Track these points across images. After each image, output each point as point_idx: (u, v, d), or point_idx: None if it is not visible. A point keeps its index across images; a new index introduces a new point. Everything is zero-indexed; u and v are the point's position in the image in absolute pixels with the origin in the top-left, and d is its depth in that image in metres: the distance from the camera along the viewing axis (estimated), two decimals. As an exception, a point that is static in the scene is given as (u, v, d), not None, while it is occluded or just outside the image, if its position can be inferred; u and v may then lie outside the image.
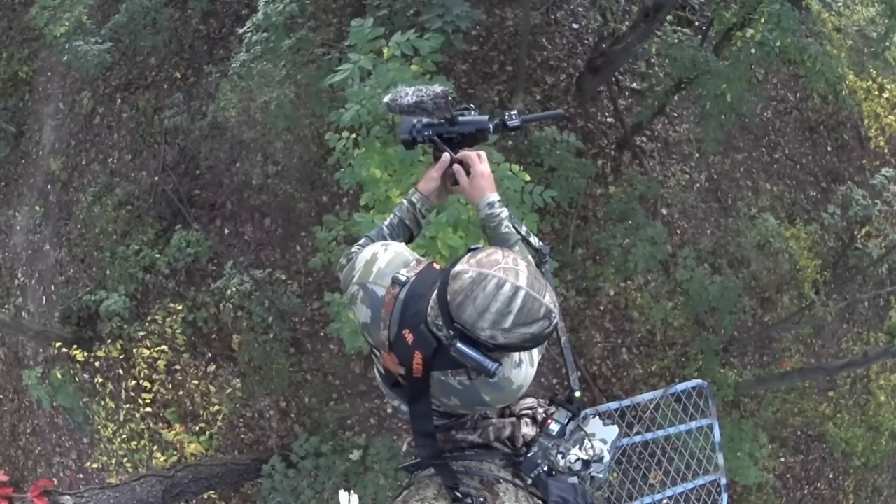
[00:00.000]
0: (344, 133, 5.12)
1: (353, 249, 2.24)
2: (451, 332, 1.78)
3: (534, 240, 2.42)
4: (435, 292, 1.82)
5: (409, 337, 1.88)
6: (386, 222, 2.32)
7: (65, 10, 7.82)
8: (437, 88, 2.21)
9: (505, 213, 2.26)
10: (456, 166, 2.29)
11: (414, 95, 2.20)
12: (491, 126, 2.33)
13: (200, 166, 9.32)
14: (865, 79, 10.68)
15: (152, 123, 9.73)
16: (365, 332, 2.08)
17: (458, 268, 1.77)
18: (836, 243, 9.94)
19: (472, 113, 2.32)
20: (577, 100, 9.09)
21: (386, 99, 2.25)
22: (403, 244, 2.15)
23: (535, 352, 2.01)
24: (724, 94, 6.83)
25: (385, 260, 2.04)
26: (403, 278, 1.96)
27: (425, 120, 2.29)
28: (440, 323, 1.80)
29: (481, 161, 2.28)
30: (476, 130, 2.31)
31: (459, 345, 1.77)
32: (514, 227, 2.28)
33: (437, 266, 2.02)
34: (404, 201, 2.34)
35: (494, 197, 2.27)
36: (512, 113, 2.37)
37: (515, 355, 1.95)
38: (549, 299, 1.77)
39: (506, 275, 1.73)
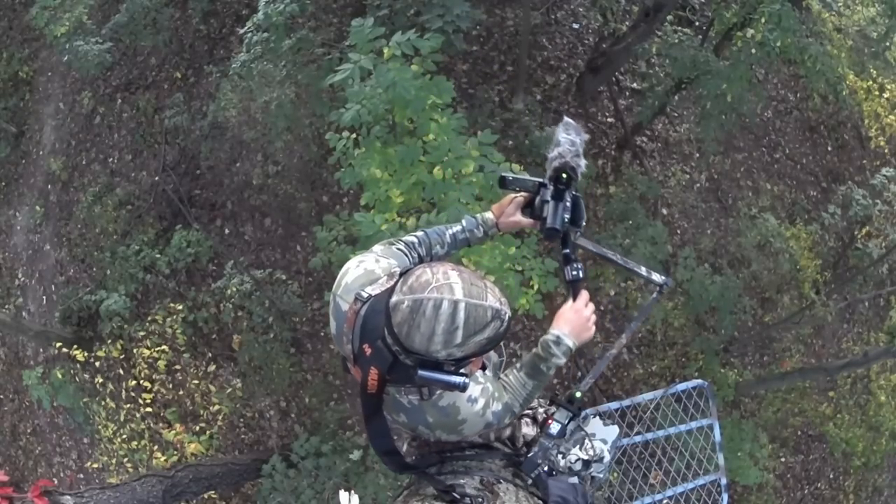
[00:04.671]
0: (344, 133, 5.12)
1: (399, 244, 2.24)
2: (410, 362, 1.79)
3: (655, 276, 2.42)
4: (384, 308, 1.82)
5: (368, 350, 1.88)
6: (454, 229, 2.32)
7: (65, 10, 7.82)
8: (580, 163, 2.20)
9: (557, 360, 2.15)
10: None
11: (571, 143, 2.20)
12: (541, 224, 2.25)
13: (201, 166, 9.32)
14: (865, 79, 10.67)
15: (153, 123, 9.73)
16: (335, 342, 2.09)
17: (393, 299, 1.77)
18: (836, 243, 9.94)
19: (554, 204, 2.22)
20: (578, 100, 9.09)
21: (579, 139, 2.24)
22: (388, 261, 2.10)
23: (496, 403, 2.02)
24: (725, 94, 6.82)
25: (353, 276, 2.04)
26: (366, 295, 1.95)
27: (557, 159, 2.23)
28: (398, 349, 1.80)
29: (582, 301, 2.23)
30: (541, 216, 2.26)
31: (422, 372, 1.78)
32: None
33: None
34: (479, 227, 2.33)
35: (566, 338, 2.15)
36: (578, 266, 2.28)
37: (475, 391, 1.96)
38: (492, 300, 1.77)
39: (440, 293, 1.73)
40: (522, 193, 2.31)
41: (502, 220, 2.33)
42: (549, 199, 2.22)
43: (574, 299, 2.23)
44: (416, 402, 1.94)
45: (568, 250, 2.27)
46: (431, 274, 1.77)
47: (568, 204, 2.22)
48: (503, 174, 2.31)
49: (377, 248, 2.18)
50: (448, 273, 1.77)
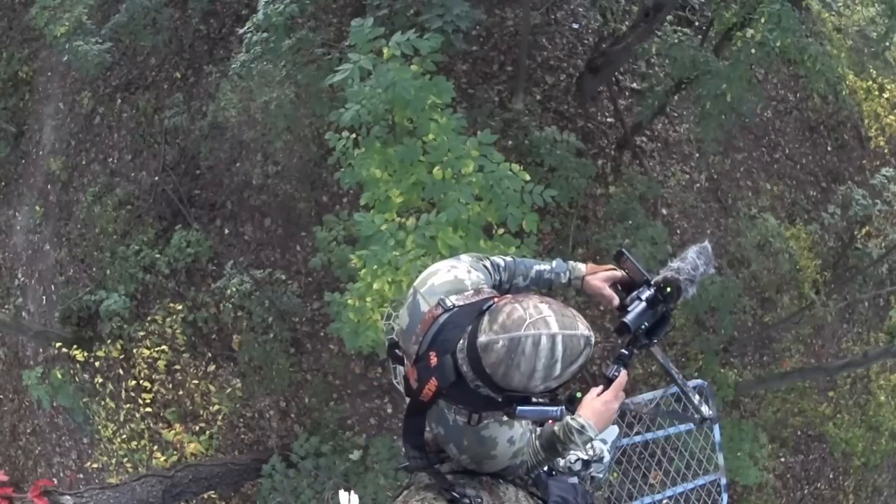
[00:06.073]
0: (344, 133, 5.12)
1: (486, 261, 2.21)
2: (503, 399, 1.80)
3: (705, 409, 2.46)
4: (466, 342, 1.81)
5: (433, 360, 1.88)
6: (542, 266, 2.31)
7: (65, 10, 7.82)
8: (689, 290, 2.23)
9: (575, 447, 2.18)
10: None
11: (694, 267, 2.23)
12: (619, 314, 2.25)
13: (200, 166, 9.32)
14: (865, 79, 10.67)
15: (152, 123, 9.73)
16: (400, 337, 2.08)
17: (483, 339, 1.74)
18: (836, 243, 9.94)
19: (644, 307, 2.21)
20: (577, 100, 9.08)
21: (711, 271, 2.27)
22: (478, 275, 2.08)
23: (521, 457, 2.07)
24: (724, 94, 6.81)
25: (441, 279, 2.04)
26: (449, 304, 1.94)
27: (676, 269, 2.25)
28: (488, 388, 1.80)
29: (613, 394, 2.21)
30: (625, 308, 2.25)
31: (521, 408, 1.79)
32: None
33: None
34: (566, 273, 2.32)
35: (590, 430, 2.16)
36: (621, 370, 2.24)
37: (517, 433, 1.99)
38: (583, 328, 1.77)
39: (537, 328, 1.71)
40: (624, 273, 2.30)
41: (589, 279, 2.31)
42: (642, 298, 2.21)
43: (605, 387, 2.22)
44: (461, 424, 1.94)
45: (627, 352, 2.24)
46: (523, 310, 1.74)
47: (656, 314, 2.22)
48: (623, 249, 2.31)
49: (467, 258, 2.16)
50: (539, 306, 1.75)
